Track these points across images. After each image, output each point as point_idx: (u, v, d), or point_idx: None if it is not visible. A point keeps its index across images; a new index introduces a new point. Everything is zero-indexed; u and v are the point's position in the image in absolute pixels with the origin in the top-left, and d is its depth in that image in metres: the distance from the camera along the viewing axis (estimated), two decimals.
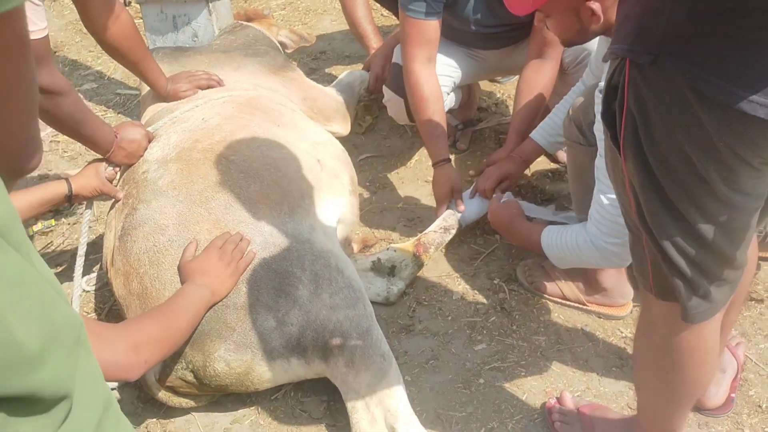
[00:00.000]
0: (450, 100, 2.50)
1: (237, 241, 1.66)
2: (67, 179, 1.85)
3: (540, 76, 2.27)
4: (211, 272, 1.58)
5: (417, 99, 2.26)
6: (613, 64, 1.09)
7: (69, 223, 2.46)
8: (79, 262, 1.89)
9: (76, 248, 2.36)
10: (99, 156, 1.92)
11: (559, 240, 1.90)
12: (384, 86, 2.54)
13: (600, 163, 1.69)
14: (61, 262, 2.33)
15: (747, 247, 1.17)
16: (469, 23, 2.31)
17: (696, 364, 1.30)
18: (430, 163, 2.33)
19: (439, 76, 2.32)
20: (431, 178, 2.35)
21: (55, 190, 1.82)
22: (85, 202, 1.95)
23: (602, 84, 1.62)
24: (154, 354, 1.39)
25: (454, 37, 2.43)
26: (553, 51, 2.26)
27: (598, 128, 1.66)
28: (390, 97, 2.50)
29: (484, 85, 2.98)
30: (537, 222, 2.12)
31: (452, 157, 2.37)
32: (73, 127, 1.80)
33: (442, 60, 2.39)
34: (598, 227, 1.75)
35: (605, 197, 1.69)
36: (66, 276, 2.27)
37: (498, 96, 3.04)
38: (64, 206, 1.95)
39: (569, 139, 1.91)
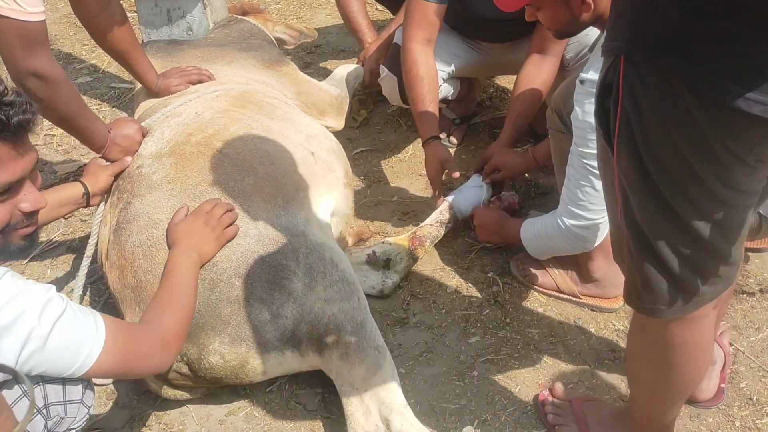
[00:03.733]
0: (445, 89, 2.50)
1: (226, 208, 1.69)
2: (79, 181, 1.87)
3: (540, 71, 2.28)
4: (196, 235, 1.61)
5: (412, 76, 2.27)
6: (606, 62, 1.09)
7: (64, 217, 2.45)
8: (89, 252, 1.87)
9: (70, 240, 2.38)
10: (93, 156, 1.93)
11: (533, 228, 1.95)
12: (381, 65, 2.56)
13: (575, 149, 1.72)
14: (59, 253, 2.33)
15: (742, 243, 1.17)
16: (477, 14, 2.32)
17: (690, 361, 1.31)
18: (425, 157, 2.33)
19: (437, 62, 2.33)
20: (426, 172, 2.36)
21: (72, 191, 1.84)
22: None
23: (583, 75, 1.64)
24: (181, 340, 1.46)
25: (459, 26, 2.43)
26: (555, 47, 2.26)
27: (575, 116, 1.68)
28: (385, 75, 2.51)
29: (480, 79, 2.98)
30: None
31: None
32: (68, 118, 1.80)
33: (443, 47, 2.40)
34: (565, 209, 1.80)
35: (575, 181, 1.75)
36: (62, 269, 2.27)
37: (492, 90, 3.04)
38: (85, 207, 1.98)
39: (552, 128, 1.94)
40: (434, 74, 2.30)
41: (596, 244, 1.86)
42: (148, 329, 1.40)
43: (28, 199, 1.29)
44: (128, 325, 1.45)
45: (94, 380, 1.84)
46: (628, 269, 1.23)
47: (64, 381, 1.27)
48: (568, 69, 2.35)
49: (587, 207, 1.76)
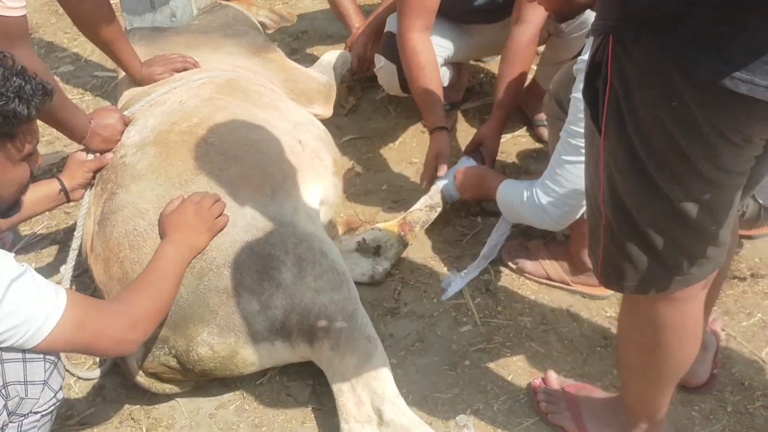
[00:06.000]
0: (442, 75, 2.47)
1: (215, 198, 1.67)
2: (56, 177, 1.84)
3: (519, 45, 2.22)
4: (187, 227, 1.60)
5: (413, 67, 2.24)
6: (596, 41, 1.09)
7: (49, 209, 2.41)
8: (75, 245, 1.85)
9: (54, 233, 2.34)
10: (76, 146, 1.89)
11: (509, 193, 1.94)
12: (376, 54, 2.52)
13: (566, 126, 1.72)
14: (43, 246, 2.30)
15: (730, 225, 1.17)
16: (471, 4, 2.29)
17: (679, 343, 1.31)
18: (414, 144, 2.31)
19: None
20: (415, 159, 2.33)
21: (47, 188, 1.82)
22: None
23: (581, 57, 1.63)
24: (150, 325, 1.46)
25: (451, 12, 2.40)
26: (530, 13, 2.20)
27: (574, 102, 1.67)
28: (383, 65, 2.47)
29: (470, 65, 2.95)
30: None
31: None
32: (48, 112, 1.76)
33: (437, 33, 2.36)
34: (542, 182, 1.80)
35: (558, 157, 1.74)
36: (47, 261, 2.24)
37: (482, 76, 3.02)
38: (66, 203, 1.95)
39: (550, 116, 1.93)
40: (435, 62, 2.27)
41: (560, 228, 1.87)
42: (117, 307, 1.40)
43: None
44: (93, 299, 1.43)
45: (81, 373, 1.83)
46: (605, 250, 1.22)
47: (24, 359, 1.26)
48: (561, 36, 2.32)
49: (562, 183, 1.76)
